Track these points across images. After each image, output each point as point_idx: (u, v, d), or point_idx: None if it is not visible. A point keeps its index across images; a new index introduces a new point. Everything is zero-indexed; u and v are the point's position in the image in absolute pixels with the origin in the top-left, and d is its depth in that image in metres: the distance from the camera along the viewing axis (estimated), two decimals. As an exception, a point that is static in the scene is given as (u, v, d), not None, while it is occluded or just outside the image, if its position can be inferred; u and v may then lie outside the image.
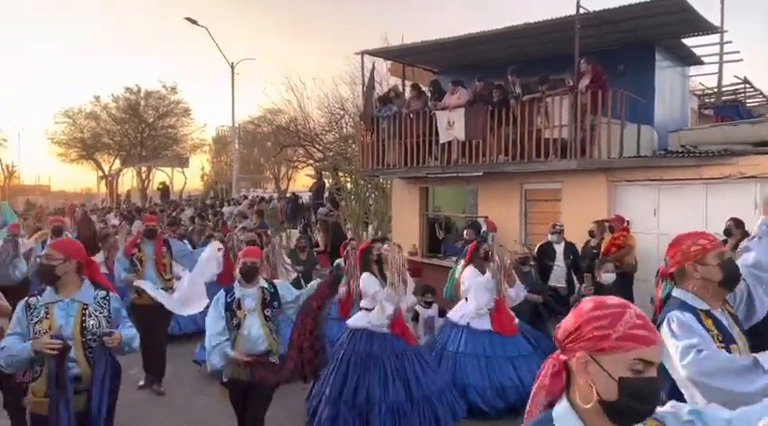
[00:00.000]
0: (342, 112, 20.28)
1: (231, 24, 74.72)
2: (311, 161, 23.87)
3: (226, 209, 20.13)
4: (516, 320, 6.33)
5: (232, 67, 25.16)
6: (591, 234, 8.90)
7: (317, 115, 21.77)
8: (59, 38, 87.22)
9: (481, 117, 10.26)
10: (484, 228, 10.44)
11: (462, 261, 6.80)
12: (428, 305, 8.08)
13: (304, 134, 21.88)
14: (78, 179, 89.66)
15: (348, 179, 16.88)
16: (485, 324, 6.08)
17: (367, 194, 16.05)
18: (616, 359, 1.45)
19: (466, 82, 11.12)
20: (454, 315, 6.37)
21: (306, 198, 20.72)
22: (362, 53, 12.58)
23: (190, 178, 38.21)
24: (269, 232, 11.40)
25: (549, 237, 8.70)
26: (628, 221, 8.81)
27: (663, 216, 9.11)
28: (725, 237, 6.80)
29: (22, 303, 3.48)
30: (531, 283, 7.37)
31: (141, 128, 35.36)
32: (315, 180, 20.27)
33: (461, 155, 10.74)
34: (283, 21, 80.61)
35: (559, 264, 8.50)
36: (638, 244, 8.74)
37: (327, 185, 19.11)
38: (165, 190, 29.42)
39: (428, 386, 5.33)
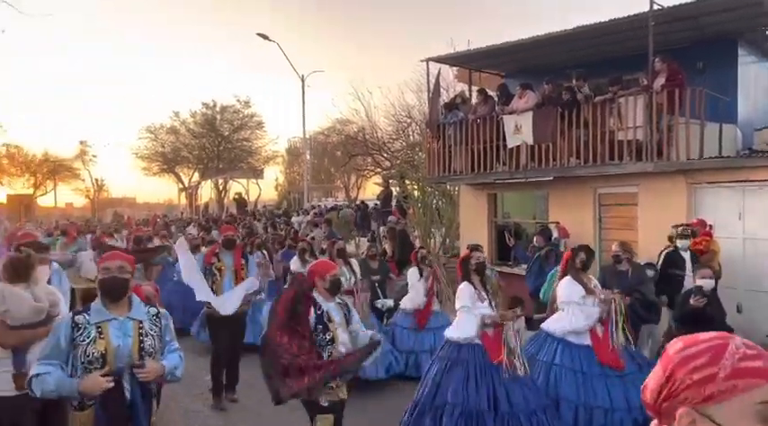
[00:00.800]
0: (408, 120, 20.34)
1: (300, 38, 76.63)
2: (379, 169, 24.03)
3: (295, 219, 20.55)
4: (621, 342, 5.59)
5: (302, 80, 25.77)
6: (670, 239, 8.46)
7: (384, 124, 21.97)
8: (138, 57, 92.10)
9: (550, 120, 10.01)
10: (555, 235, 10.14)
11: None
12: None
13: (372, 143, 22.08)
14: (161, 191, 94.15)
15: (415, 186, 16.85)
16: (584, 340, 5.57)
17: (434, 201, 15.97)
18: (734, 407, 1.03)
19: (534, 85, 10.89)
20: (549, 326, 5.87)
21: (372, 206, 20.87)
22: (427, 60, 12.57)
23: (264, 188, 39.27)
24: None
25: (678, 243, 7.60)
26: (710, 225, 8.33)
27: (749, 219, 8.56)
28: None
29: (66, 322, 3.07)
30: (624, 284, 6.81)
31: (218, 142, 36.74)
32: (382, 188, 20.37)
33: (530, 159, 10.51)
34: (351, 32, 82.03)
35: (690, 274, 7.20)
36: (721, 250, 8.24)
37: (395, 193, 19.17)
38: (241, 200, 30.34)
39: (518, 403, 4.92)
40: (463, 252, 5.67)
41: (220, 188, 36.76)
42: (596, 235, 10.40)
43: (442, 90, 14.03)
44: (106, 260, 3.19)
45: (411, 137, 20.40)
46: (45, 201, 46.12)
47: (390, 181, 19.73)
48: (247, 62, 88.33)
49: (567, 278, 5.75)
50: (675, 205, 9.09)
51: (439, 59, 12.71)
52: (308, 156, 32.54)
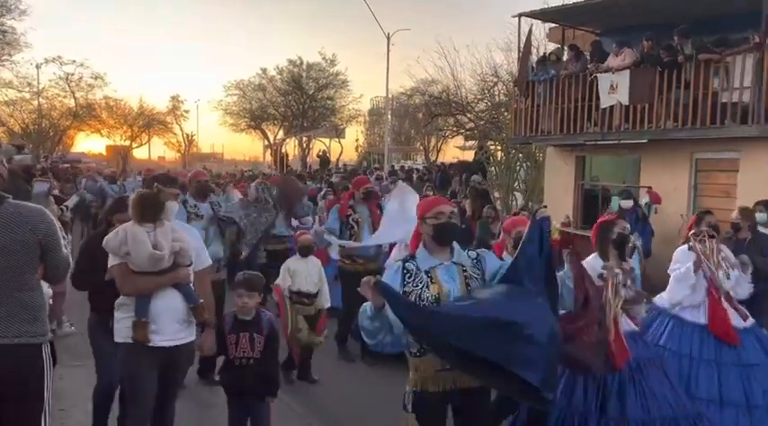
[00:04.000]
0: (495, 79, 19.92)
1: (387, -4, 75.76)
2: (462, 130, 23.77)
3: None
4: (748, 322, 4.74)
5: (388, 38, 25.63)
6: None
7: (469, 83, 21.60)
8: (227, 14, 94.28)
9: (648, 79, 9.58)
10: (646, 200, 9.79)
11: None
12: None
13: (455, 103, 21.81)
14: (246, 147, 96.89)
15: (498, 147, 16.63)
16: (698, 316, 4.73)
17: (517, 164, 15.73)
18: None
19: (632, 43, 10.38)
20: (660, 299, 5.05)
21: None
22: (520, 15, 12.22)
23: (345, 148, 39.72)
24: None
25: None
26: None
27: None
28: None
29: (396, 267, 3.17)
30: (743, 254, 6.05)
31: (303, 100, 37.34)
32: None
33: (624, 120, 10.12)
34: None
35: None
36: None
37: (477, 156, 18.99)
38: (324, 158, 30.86)
39: (675, 403, 4.01)
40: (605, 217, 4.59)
41: (304, 145, 37.52)
42: (691, 202, 9.97)
43: (532, 48, 13.63)
44: (439, 204, 3.23)
45: (497, 98, 20.01)
46: (140, 154, 48.66)
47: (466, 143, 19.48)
48: (332, 19, 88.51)
49: (685, 247, 4.94)
50: (781, 173, 8.54)
51: (532, 14, 12.34)
52: (390, 117, 32.57)
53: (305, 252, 5.80)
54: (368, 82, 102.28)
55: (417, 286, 3.06)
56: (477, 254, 3.23)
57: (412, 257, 3.18)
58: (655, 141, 9.99)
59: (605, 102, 10.19)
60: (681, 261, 4.86)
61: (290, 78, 37.38)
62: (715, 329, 4.63)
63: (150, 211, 3.44)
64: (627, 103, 9.89)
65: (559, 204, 11.92)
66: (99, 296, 3.72)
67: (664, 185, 9.98)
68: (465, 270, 3.12)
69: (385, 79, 26.38)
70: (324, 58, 36.96)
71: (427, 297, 3.03)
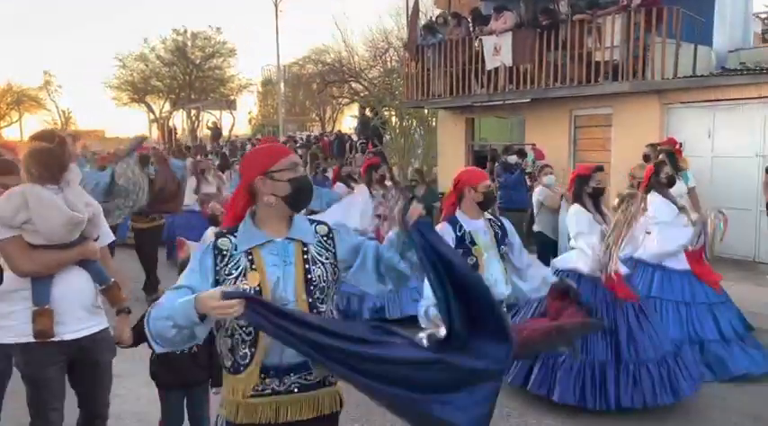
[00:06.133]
0: (386, 46, 20.04)
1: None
2: (356, 97, 23.80)
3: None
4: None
5: (275, 5, 25.02)
6: (645, 158, 8.64)
7: (361, 50, 21.60)
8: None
9: (529, 41, 10.02)
10: (531, 156, 10.33)
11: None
12: None
13: (348, 69, 21.76)
14: (130, 124, 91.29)
15: (393, 113, 16.85)
16: (682, 263, 4.92)
17: (412, 129, 16.03)
18: None
19: (512, 7, 10.80)
20: (641, 253, 4.94)
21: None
22: (407, -21, 12.32)
23: (238, 122, 38.59)
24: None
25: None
26: (680, 143, 8.55)
27: (718, 138, 8.82)
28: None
29: (205, 248, 2.12)
30: None
31: (189, 70, 35.74)
32: (359, 116, 20.26)
33: (508, 82, 10.56)
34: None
35: None
36: (690, 168, 8.50)
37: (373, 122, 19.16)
38: (215, 130, 29.79)
39: (645, 350, 4.13)
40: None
41: (193, 118, 36.03)
42: (571, 156, 10.63)
43: (420, 14, 13.80)
44: (285, 155, 2.18)
45: (389, 64, 20.16)
46: (10, 133, 44.77)
47: (366, 109, 19.66)
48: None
49: (656, 195, 4.98)
50: (648, 125, 9.29)
51: (418, -22, 12.46)
52: (283, 87, 31.93)
53: (213, 221, 5.60)
54: (259, 52, 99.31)
55: (231, 274, 2.06)
56: (330, 230, 2.23)
57: (231, 231, 2.15)
58: (537, 100, 10.50)
59: (490, 63, 10.56)
60: (661, 212, 4.90)
61: (173, 47, 35.60)
62: (705, 275, 4.98)
63: (54, 168, 2.78)
64: (510, 65, 10.31)
65: (451, 166, 12.29)
66: None
67: (547, 142, 10.56)
68: (306, 251, 2.14)
69: (275, 48, 25.81)
70: (210, 26, 35.56)
71: (243, 290, 2.02)
